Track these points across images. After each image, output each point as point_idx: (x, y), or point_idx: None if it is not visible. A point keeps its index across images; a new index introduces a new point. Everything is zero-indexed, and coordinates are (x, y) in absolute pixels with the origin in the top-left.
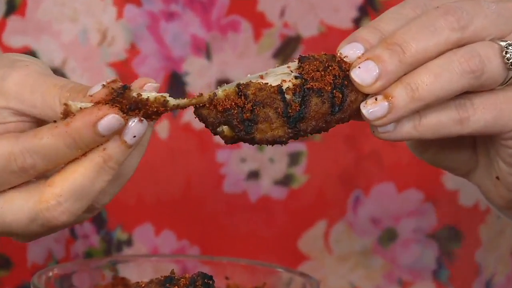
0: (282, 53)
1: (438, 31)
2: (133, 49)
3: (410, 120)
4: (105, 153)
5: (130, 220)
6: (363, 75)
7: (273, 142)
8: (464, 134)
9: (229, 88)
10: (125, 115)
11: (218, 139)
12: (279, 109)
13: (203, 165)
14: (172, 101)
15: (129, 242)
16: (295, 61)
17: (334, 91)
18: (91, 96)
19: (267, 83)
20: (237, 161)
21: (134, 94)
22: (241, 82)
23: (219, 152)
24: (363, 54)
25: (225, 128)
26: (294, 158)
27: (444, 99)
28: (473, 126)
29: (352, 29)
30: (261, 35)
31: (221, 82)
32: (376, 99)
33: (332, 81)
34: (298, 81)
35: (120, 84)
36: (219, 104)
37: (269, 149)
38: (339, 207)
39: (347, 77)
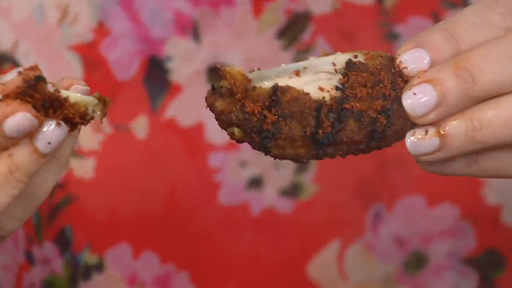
0: (288, 33)
1: None
2: (101, 29)
3: (464, 157)
4: (11, 161)
5: (101, 240)
6: (416, 103)
7: (291, 159)
8: None
9: (264, 87)
10: (39, 114)
11: (211, 138)
12: (308, 129)
13: (192, 170)
14: (93, 113)
15: (99, 267)
16: (344, 55)
17: (378, 115)
18: (3, 84)
19: (308, 94)
20: (235, 166)
21: (50, 89)
22: (280, 84)
23: (213, 155)
24: (425, 71)
25: (237, 130)
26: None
27: (507, 147)
28: None
29: (373, 6)
30: (261, 9)
31: (213, 68)
32: (426, 132)
33: (377, 103)
34: (338, 94)
35: (37, 74)
36: (242, 103)
37: None
38: (355, 224)
39: (399, 99)
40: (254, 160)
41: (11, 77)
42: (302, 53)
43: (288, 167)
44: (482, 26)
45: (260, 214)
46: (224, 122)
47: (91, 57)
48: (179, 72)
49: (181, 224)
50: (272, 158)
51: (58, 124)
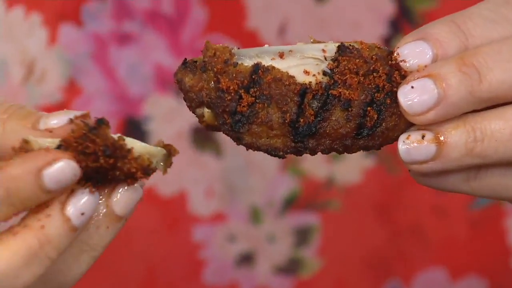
0: None
1: None
2: (72, 87)
3: (463, 172)
4: (42, 233)
5: None
6: (414, 98)
7: (266, 151)
8: None
9: (246, 64)
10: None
11: (194, 208)
12: (288, 115)
13: (173, 246)
14: (156, 164)
15: None
16: (336, 44)
17: (369, 108)
18: (50, 131)
19: (292, 77)
20: (222, 240)
21: (114, 136)
22: (263, 63)
23: (197, 228)
24: (426, 66)
25: (207, 112)
26: (302, 235)
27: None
28: None
29: None
30: None
31: (197, 130)
32: (423, 137)
33: (369, 94)
34: (325, 79)
35: (97, 118)
36: (217, 79)
37: (268, 223)
38: None
39: (394, 93)
40: (244, 234)
41: (60, 122)
42: None
43: (284, 239)
44: (496, 21)
45: None
46: (193, 101)
47: None
48: (159, 133)
49: None
50: (245, 147)
51: (92, 192)
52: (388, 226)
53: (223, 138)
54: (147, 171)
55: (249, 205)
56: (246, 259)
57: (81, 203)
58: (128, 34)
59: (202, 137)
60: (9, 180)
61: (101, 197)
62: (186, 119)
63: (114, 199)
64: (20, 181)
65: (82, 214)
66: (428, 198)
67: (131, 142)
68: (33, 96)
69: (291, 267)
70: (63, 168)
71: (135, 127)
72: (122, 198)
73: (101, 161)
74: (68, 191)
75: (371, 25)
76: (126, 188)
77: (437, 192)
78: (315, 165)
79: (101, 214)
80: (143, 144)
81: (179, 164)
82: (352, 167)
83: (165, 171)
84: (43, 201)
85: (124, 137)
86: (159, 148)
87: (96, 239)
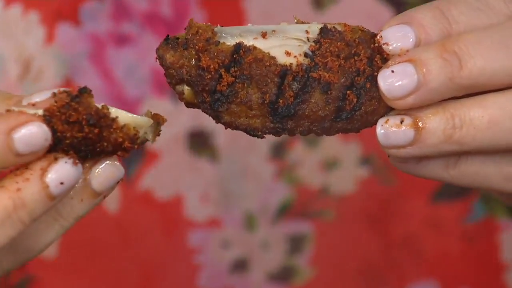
0: None
1: None
2: (68, 86)
3: (442, 159)
4: (18, 196)
5: None
6: (394, 83)
7: (244, 131)
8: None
9: (226, 44)
10: (72, 152)
11: (190, 213)
12: (267, 95)
13: (169, 251)
14: (145, 135)
15: None
16: (320, 25)
17: (348, 91)
18: (32, 104)
19: (274, 58)
20: (217, 246)
21: (98, 105)
22: (244, 42)
23: (193, 233)
24: (407, 51)
25: (187, 89)
26: (296, 243)
27: (491, 152)
28: None
29: None
30: None
31: (194, 135)
32: (401, 121)
33: (349, 78)
34: (306, 61)
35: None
36: (198, 57)
37: (262, 230)
38: None
39: (375, 77)
40: (239, 240)
41: (44, 97)
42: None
43: (278, 247)
44: (480, 9)
45: None
46: (174, 78)
47: None
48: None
49: None
50: (224, 126)
51: (75, 164)
52: (381, 237)
53: (219, 143)
54: (134, 140)
55: (244, 212)
56: (240, 266)
57: (62, 171)
58: (126, 35)
59: (199, 142)
60: None
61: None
62: (183, 123)
63: (94, 173)
64: None
65: (62, 183)
66: (422, 210)
67: (115, 112)
68: (29, 94)
69: (284, 275)
70: (34, 130)
71: None
72: (102, 173)
73: (86, 130)
74: (47, 158)
75: None
76: (109, 163)
77: (431, 205)
78: (310, 173)
79: (77, 186)
80: (129, 114)
81: (175, 168)
82: (346, 177)
83: (153, 140)
84: (14, 164)
85: (109, 106)
86: (146, 118)
87: (69, 210)
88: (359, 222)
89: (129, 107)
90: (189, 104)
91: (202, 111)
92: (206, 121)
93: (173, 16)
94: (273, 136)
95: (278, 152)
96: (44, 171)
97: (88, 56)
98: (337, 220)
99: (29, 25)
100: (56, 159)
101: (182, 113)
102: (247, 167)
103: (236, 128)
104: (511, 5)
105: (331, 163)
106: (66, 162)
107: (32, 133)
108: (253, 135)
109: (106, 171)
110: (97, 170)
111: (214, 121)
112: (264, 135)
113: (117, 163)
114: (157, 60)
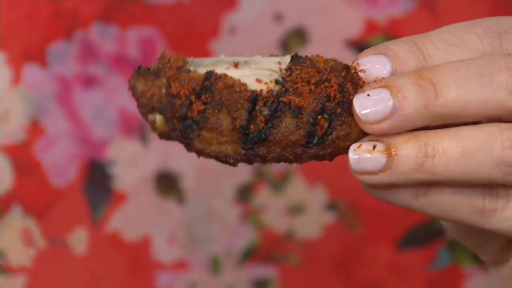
0: None
1: (494, 87)
2: (35, 127)
3: (413, 187)
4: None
5: None
6: (370, 107)
7: (216, 158)
8: (481, 229)
9: (198, 72)
10: None
11: (158, 255)
12: (238, 121)
13: None
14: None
15: None
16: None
17: (319, 116)
18: None
19: (244, 85)
20: None
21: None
22: (216, 71)
23: (160, 274)
24: (382, 79)
25: (159, 118)
26: (260, 287)
27: (462, 184)
28: (496, 225)
29: None
30: None
31: (161, 176)
32: (374, 147)
33: (320, 103)
34: (276, 88)
35: None
36: (169, 84)
37: (227, 273)
38: None
39: (346, 103)
40: (205, 283)
41: None
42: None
43: None
44: (455, 45)
45: None
46: (145, 107)
47: (23, 160)
48: (123, 179)
49: None
50: (196, 154)
51: None
52: (346, 283)
53: (186, 185)
54: None
55: (210, 255)
56: None
57: None
58: (93, 77)
59: (166, 183)
60: None
61: None
62: (150, 164)
63: None
64: None
65: None
66: (387, 257)
67: None
68: None
69: None
70: None
71: (99, 171)
72: None
73: None
74: None
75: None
76: None
77: (396, 251)
78: (275, 217)
79: None
80: None
81: (143, 210)
82: (312, 222)
83: None
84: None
85: None
86: None
87: None
88: (324, 267)
89: (97, 148)
90: (162, 135)
91: (174, 139)
92: (173, 162)
93: (141, 57)
94: (245, 165)
95: (243, 195)
96: None
97: (56, 98)
98: (302, 264)
99: None
100: None
101: (150, 155)
102: (213, 209)
103: (208, 155)
104: (486, 42)
105: (297, 208)
106: None
107: None
108: (225, 162)
109: None
110: None
111: (186, 149)
112: (237, 163)
113: None
114: (129, 91)
